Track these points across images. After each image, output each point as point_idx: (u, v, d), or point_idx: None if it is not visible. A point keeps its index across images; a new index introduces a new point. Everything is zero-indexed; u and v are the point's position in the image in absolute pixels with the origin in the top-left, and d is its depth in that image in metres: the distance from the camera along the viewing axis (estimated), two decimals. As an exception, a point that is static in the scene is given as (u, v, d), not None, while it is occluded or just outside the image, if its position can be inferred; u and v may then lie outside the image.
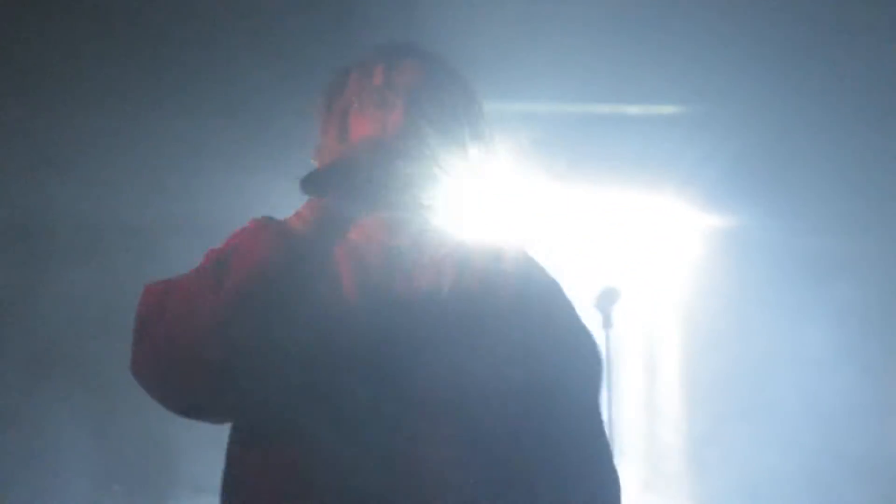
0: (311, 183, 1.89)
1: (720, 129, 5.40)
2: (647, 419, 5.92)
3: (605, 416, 3.71)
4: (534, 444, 1.92)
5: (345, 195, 1.88)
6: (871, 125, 5.28)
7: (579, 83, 5.25)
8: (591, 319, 4.73)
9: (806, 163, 5.52)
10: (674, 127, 5.54)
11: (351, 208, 1.90)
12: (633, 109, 5.59)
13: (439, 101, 2.04)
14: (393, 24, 4.58)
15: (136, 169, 5.09)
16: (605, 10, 4.99)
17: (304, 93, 2.18)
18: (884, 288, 5.68)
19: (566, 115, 5.52)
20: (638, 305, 5.91)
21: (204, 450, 3.05)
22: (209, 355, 1.77)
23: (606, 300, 4.64)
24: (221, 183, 4.90)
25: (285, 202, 1.95)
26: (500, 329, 1.93)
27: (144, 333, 1.85)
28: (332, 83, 2.14)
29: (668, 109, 5.58)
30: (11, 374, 5.15)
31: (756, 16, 5.00)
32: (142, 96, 4.78)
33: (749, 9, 4.99)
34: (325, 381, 1.89)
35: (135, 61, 4.65)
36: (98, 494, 5.15)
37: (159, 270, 2.03)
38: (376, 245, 2.04)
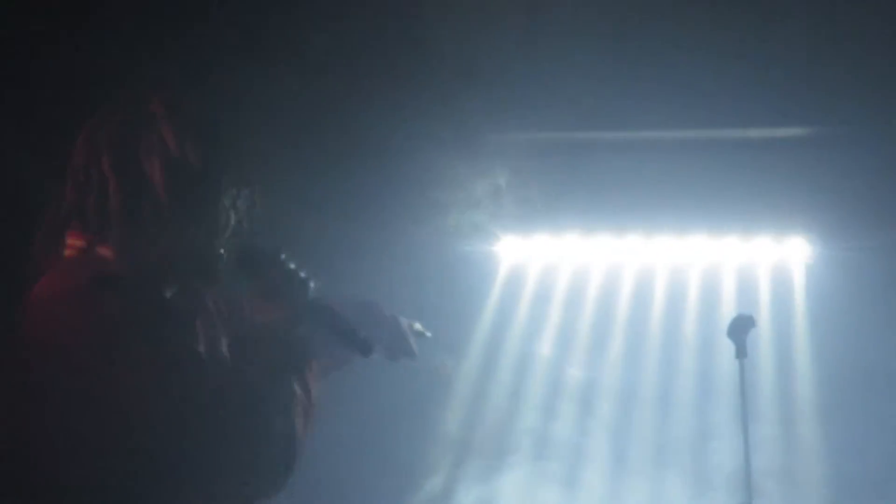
0: None
1: (852, 151, 5.28)
2: (783, 451, 5.77)
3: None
4: None
5: None
6: None
7: (702, 108, 5.21)
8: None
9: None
10: (803, 149, 5.44)
11: None
12: (758, 132, 5.50)
13: None
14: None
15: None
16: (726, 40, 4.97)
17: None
18: None
19: (693, 141, 5.47)
20: (771, 334, 5.80)
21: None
22: None
23: (739, 329, 4.52)
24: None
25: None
26: None
27: None
28: None
29: (792, 132, 5.48)
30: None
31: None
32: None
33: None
34: None
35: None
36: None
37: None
38: None
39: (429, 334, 2.62)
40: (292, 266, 2.11)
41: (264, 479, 1.98)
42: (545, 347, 6.08)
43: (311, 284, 2.14)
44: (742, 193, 5.57)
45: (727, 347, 4.55)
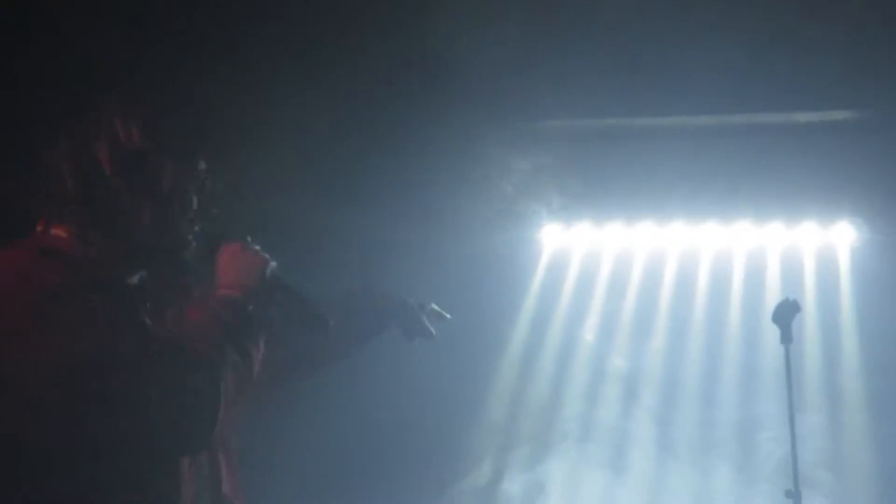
0: None
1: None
2: (831, 439, 5.72)
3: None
4: None
5: None
6: None
7: (741, 91, 5.17)
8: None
9: None
10: (849, 133, 5.39)
11: None
12: (805, 117, 5.45)
13: None
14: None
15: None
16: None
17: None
18: None
19: (739, 126, 5.44)
20: (817, 319, 5.76)
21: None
22: None
23: (784, 314, 4.48)
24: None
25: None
26: None
27: None
28: None
29: (840, 115, 5.42)
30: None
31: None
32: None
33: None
34: None
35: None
36: None
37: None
38: None
39: (448, 316, 2.69)
40: (256, 248, 2.23)
41: (186, 433, 2.06)
42: (588, 335, 6.08)
43: (272, 264, 2.25)
44: (787, 178, 5.53)
45: (773, 333, 4.50)
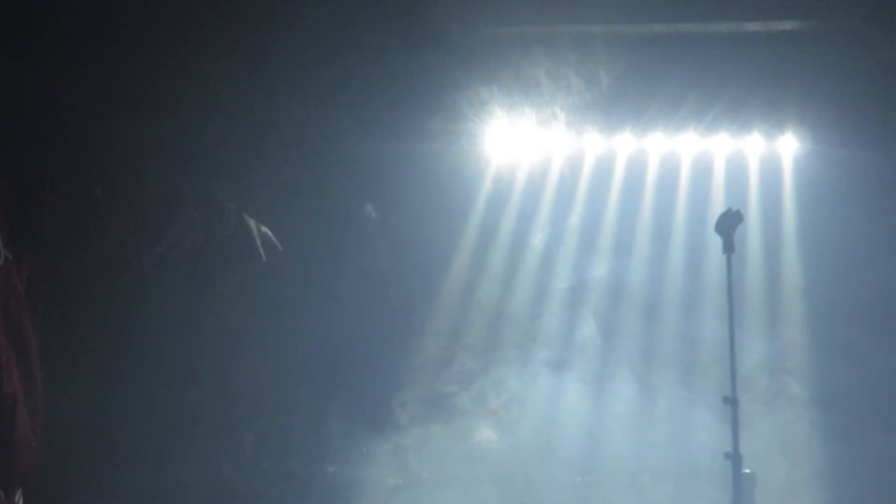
0: None
1: (847, 47, 5.21)
2: (767, 343, 5.83)
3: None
4: None
5: None
6: None
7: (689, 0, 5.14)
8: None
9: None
10: (793, 44, 5.37)
11: None
12: (752, 26, 5.43)
13: None
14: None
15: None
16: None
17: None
18: None
19: (684, 35, 5.40)
20: (757, 229, 5.83)
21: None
22: None
23: (727, 224, 4.52)
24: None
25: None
26: None
27: None
28: None
29: (786, 25, 5.40)
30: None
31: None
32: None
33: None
34: None
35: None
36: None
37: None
38: None
39: (280, 248, 2.71)
40: None
41: None
42: (537, 240, 6.12)
43: None
44: (733, 88, 5.53)
45: (716, 243, 4.55)
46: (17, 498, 2.19)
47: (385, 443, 5.58)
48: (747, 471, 4.33)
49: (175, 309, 4.35)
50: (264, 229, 2.51)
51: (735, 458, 4.29)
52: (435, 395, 5.94)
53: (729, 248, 4.50)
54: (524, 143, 6.02)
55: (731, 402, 4.37)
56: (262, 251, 2.47)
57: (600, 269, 6.07)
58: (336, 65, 4.98)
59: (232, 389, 5.19)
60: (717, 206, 5.44)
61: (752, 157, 5.93)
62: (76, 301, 2.65)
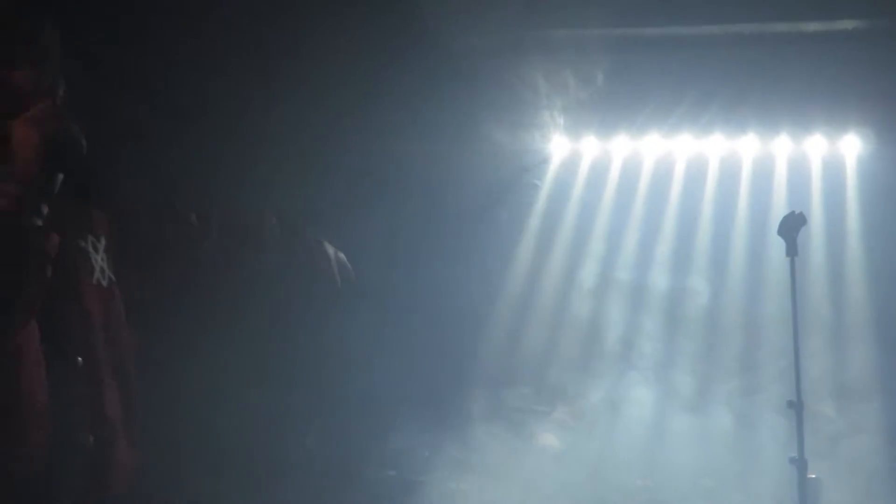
0: None
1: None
2: (832, 346, 5.77)
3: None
4: None
5: None
6: None
7: (748, 1, 5.10)
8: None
9: None
10: (856, 43, 5.32)
11: None
12: (812, 26, 5.38)
13: None
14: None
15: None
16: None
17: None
18: None
19: (745, 36, 5.37)
20: (823, 232, 5.78)
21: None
22: None
23: (790, 227, 4.49)
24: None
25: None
26: None
27: None
28: None
29: (848, 25, 5.34)
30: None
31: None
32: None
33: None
34: None
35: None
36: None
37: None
38: None
39: (353, 278, 2.70)
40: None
41: None
42: (597, 245, 6.12)
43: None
44: (795, 89, 5.49)
45: (779, 245, 4.52)
46: None
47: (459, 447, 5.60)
48: (813, 476, 4.30)
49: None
50: (341, 255, 2.53)
51: (800, 462, 4.26)
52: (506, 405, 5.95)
53: (792, 251, 4.47)
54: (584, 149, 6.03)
55: (796, 406, 4.35)
56: (337, 277, 2.49)
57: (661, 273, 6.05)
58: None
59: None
60: (779, 209, 5.39)
61: (815, 159, 5.87)
62: (165, 321, 2.68)
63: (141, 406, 2.34)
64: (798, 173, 5.87)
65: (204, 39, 4.33)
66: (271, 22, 4.49)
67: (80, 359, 2.21)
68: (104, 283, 2.29)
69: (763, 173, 5.92)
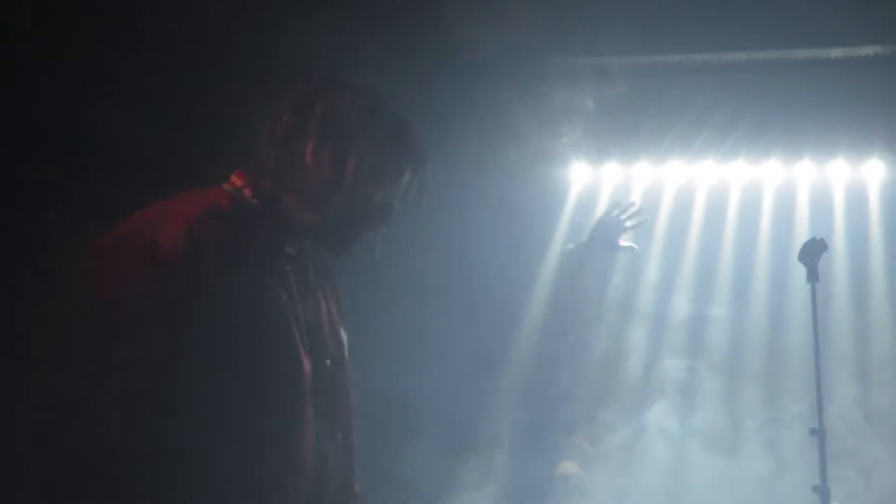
0: None
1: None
2: (856, 375, 5.72)
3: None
4: None
5: None
6: None
7: (770, 27, 5.10)
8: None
9: None
10: (878, 68, 5.31)
11: None
12: (835, 52, 5.37)
13: None
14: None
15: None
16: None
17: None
18: None
19: (767, 62, 5.37)
20: (843, 257, 5.74)
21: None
22: None
23: (811, 253, 4.46)
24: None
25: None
26: None
27: None
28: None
29: (870, 50, 5.33)
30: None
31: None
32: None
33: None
34: None
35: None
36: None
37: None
38: None
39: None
40: None
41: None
42: (617, 275, 6.08)
43: None
44: (817, 114, 5.47)
45: (800, 272, 4.49)
46: None
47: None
48: (835, 503, 4.26)
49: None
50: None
51: (823, 490, 4.22)
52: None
53: (812, 276, 4.44)
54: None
55: (819, 433, 4.31)
56: None
57: (682, 301, 6.02)
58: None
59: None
60: (801, 235, 5.36)
61: (837, 185, 5.84)
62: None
63: None
64: (820, 199, 5.84)
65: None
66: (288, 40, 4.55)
67: (337, 412, 2.23)
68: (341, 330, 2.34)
69: (785, 200, 5.89)
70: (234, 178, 2.21)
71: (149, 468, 1.89)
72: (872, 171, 5.77)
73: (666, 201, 6.03)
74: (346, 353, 2.31)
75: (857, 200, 5.79)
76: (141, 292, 1.93)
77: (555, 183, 6.07)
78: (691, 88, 5.52)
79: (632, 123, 5.65)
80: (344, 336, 2.33)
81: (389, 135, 2.23)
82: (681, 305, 6.01)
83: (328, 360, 2.19)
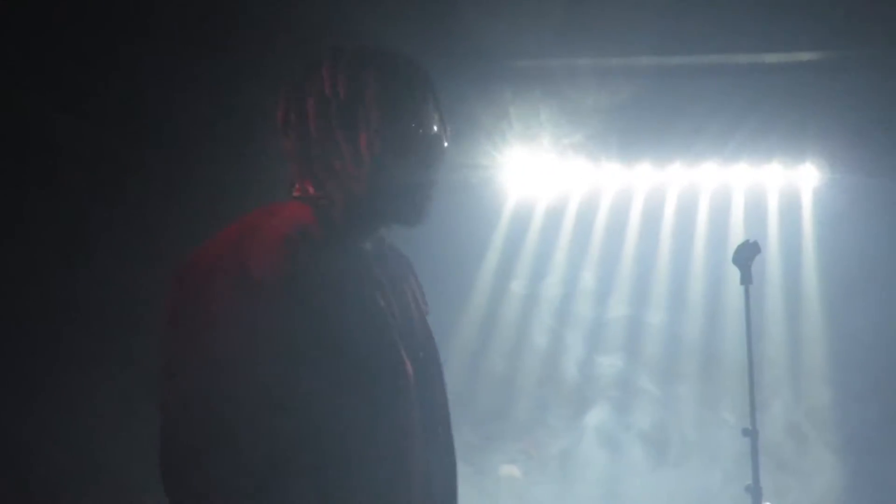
0: None
1: (862, 76, 5.20)
2: (788, 375, 5.78)
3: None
4: None
5: None
6: None
7: (708, 32, 5.13)
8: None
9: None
10: (813, 74, 5.36)
11: None
12: (772, 57, 5.42)
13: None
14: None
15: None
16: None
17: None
18: None
19: (705, 66, 5.40)
20: (777, 260, 5.80)
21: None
22: None
23: (745, 255, 4.50)
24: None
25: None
26: None
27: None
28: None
29: (807, 56, 5.39)
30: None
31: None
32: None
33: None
34: None
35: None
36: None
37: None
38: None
39: None
40: None
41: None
42: (552, 280, 6.10)
43: None
44: (752, 118, 5.51)
45: (734, 273, 4.53)
46: None
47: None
48: (768, 503, 4.29)
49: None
50: None
51: (755, 490, 4.25)
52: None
53: (746, 279, 4.48)
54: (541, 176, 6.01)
55: (752, 434, 4.34)
56: None
57: (620, 302, 6.04)
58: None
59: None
60: (737, 238, 5.41)
61: (772, 189, 5.90)
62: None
63: None
64: (755, 202, 5.90)
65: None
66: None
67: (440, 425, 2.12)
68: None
69: (721, 203, 5.94)
70: (300, 186, 2.07)
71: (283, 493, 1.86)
72: (806, 175, 5.83)
73: (603, 206, 6.04)
74: (435, 342, 2.21)
75: (790, 204, 5.85)
76: (249, 325, 1.84)
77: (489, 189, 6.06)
78: (628, 92, 5.53)
79: (571, 124, 5.65)
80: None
81: (392, 76, 2.09)
82: (617, 309, 6.04)
83: (421, 353, 2.11)
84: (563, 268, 6.08)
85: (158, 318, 1.93)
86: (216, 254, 1.92)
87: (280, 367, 1.85)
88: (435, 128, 2.10)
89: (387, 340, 1.98)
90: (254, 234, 1.91)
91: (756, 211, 5.86)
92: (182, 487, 1.82)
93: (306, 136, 2.05)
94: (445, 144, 2.14)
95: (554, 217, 6.05)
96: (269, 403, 1.83)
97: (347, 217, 2.03)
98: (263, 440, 1.83)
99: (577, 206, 6.05)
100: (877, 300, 5.63)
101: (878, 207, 5.57)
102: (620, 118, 5.61)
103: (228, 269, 1.87)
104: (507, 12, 4.88)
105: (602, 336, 6.05)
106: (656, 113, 5.58)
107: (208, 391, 1.81)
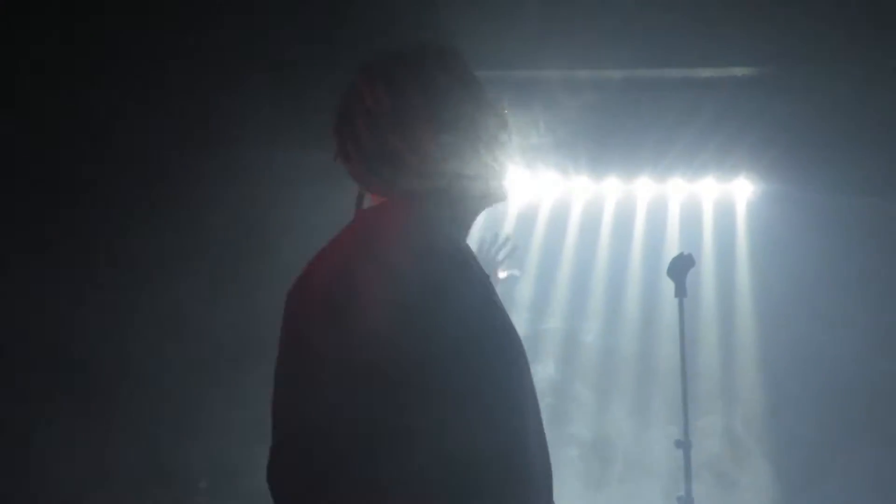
0: None
1: (796, 92, 5.27)
2: (721, 387, 5.84)
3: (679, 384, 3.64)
4: None
5: None
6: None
7: (642, 47, 5.17)
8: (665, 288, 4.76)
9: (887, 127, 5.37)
10: (747, 90, 5.43)
11: None
12: (707, 72, 5.48)
13: None
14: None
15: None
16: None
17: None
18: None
19: (641, 80, 5.44)
20: (711, 273, 5.86)
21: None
22: None
23: (679, 268, 4.55)
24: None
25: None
26: None
27: None
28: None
29: (741, 72, 5.45)
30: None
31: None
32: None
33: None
34: None
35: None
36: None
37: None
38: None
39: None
40: None
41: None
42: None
43: None
44: (687, 133, 5.57)
45: (670, 286, 4.57)
46: None
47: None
48: (700, 515, 4.33)
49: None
50: None
51: (688, 501, 4.29)
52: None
53: (681, 292, 4.52)
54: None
55: (685, 445, 4.38)
56: None
57: (556, 316, 6.06)
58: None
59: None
60: (672, 251, 5.46)
61: (706, 202, 5.97)
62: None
63: None
64: (690, 216, 5.95)
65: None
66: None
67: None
68: None
69: (656, 216, 5.99)
70: (400, 184, 2.05)
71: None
72: (740, 188, 5.91)
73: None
74: None
75: (725, 217, 5.91)
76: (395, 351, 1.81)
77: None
78: (564, 106, 5.55)
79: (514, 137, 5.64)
80: None
81: (423, 69, 2.08)
82: (553, 321, 6.06)
83: None
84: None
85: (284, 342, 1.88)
86: (349, 271, 1.85)
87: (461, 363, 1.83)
88: (481, 103, 2.10)
89: (516, 341, 1.98)
90: (384, 245, 1.88)
91: (691, 224, 5.91)
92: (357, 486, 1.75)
93: (367, 156, 2.04)
94: (505, 112, 2.14)
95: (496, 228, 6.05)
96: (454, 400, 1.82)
97: (449, 211, 2.03)
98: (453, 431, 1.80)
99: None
100: (809, 310, 5.71)
101: (809, 219, 5.65)
102: (560, 131, 5.63)
103: (378, 290, 1.81)
104: (476, 24, 4.89)
105: (537, 348, 6.07)
106: (592, 127, 5.61)
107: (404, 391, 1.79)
